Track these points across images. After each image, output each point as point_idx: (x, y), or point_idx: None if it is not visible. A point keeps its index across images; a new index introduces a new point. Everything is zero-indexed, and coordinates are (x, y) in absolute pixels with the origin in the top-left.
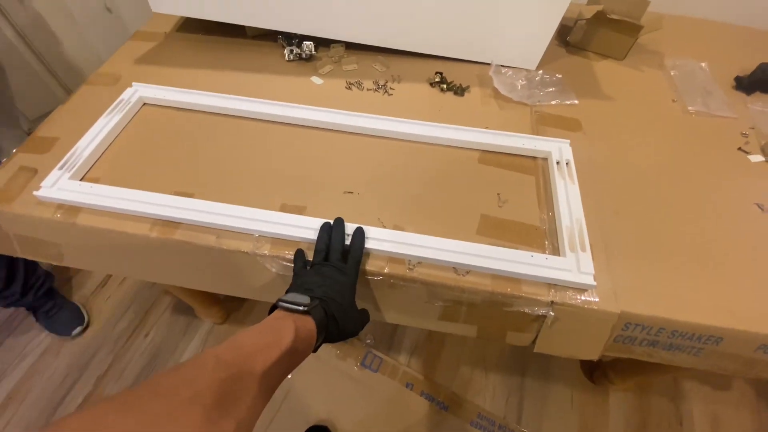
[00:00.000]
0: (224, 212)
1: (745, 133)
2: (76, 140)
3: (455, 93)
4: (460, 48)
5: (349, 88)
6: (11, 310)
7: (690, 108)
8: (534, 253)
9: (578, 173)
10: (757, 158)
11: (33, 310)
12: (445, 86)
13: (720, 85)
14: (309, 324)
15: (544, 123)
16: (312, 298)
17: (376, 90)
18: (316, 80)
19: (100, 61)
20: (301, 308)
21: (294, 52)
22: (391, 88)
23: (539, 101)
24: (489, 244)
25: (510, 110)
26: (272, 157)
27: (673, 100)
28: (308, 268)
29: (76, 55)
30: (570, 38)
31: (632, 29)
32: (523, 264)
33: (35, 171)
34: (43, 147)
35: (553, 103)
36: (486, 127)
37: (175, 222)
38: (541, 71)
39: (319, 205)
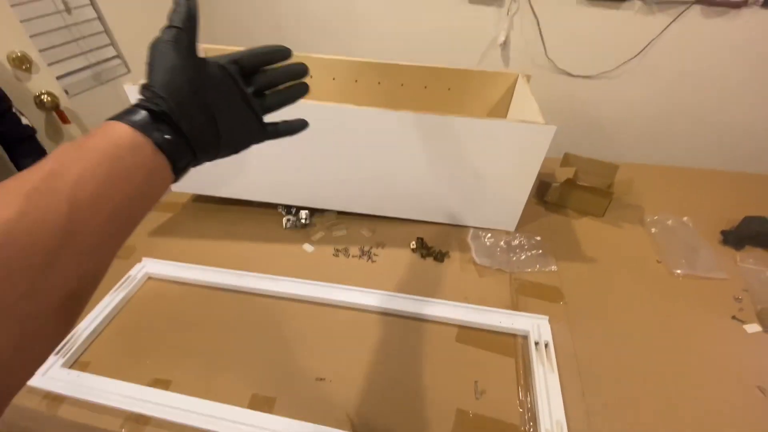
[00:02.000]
0: (192, 409)
1: (738, 298)
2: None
3: (435, 259)
4: (440, 214)
5: (336, 255)
6: None
7: (677, 271)
8: None
9: (559, 355)
10: (753, 328)
11: None
12: (424, 252)
13: (706, 239)
14: (123, 130)
15: (524, 293)
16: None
17: (360, 257)
18: (308, 248)
19: None
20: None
21: (291, 221)
22: (374, 255)
23: (518, 268)
24: None
25: (489, 277)
26: (253, 335)
27: (658, 261)
28: None
29: None
30: (547, 198)
31: (604, 193)
32: None
33: None
34: None
35: (530, 270)
36: (465, 298)
37: (145, 417)
38: (518, 235)
39: (289, 397)
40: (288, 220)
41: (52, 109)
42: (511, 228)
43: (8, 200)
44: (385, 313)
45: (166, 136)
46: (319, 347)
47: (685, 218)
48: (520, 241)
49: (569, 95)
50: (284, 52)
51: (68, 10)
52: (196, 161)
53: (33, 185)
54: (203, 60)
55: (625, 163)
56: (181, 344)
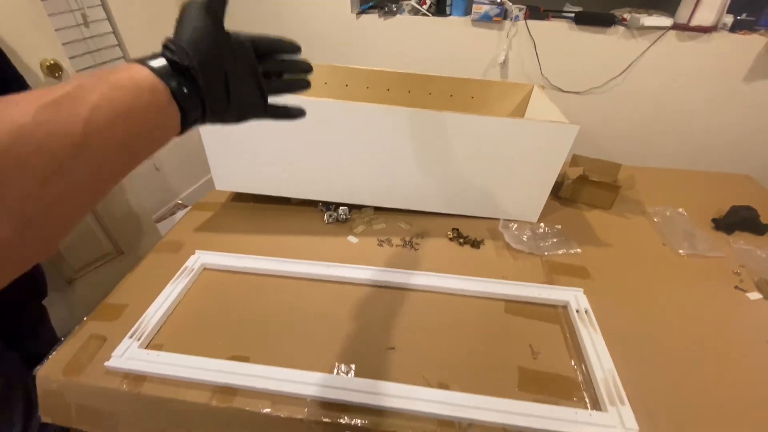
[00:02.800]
0: (278, 377)
1: (737, 272)
2: (144, 307)
3: (472, 246)
4: (471, 207)
5: (381, 245)
6: None
7: (680, 251)
8: (578, 410)
9: (598, 322)
10: (755, 296)
11: None
12: (462, 240)
13: (700, 227)
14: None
15: (556, 272)
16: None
17: (403, 246)
18: (352, 239)
19: (146, 214)
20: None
21: (332, 216)
22: (416, 244)
23: (547, 252)
24: (532, 400)
25: (523, 261)
26: (318, 316)
27: (663, 244)
28: None
29: (125, 210)
30: (561, 193)
31: (612, 187)
32: (570, 422)
33: (104, 339)
34: (113, 314)
35: (560, 252)
36: (504, 277)
37: (233, 388)
38: (542, 224)
39: (366, 364)
40: (330, 215)
41: None
42: (534, 219)
43: (25, 108)
44: (437, 292)
45: (184, 89)
46: (382, 324)
47: (680, 209)
48: (545, 230)
49: (562, 109)
50: (295, 46)
51: (86, 24)
52: (203, 119)
53: (52, 99)
54: (227, 31)
55: (626, 160)
56: (249, 325)
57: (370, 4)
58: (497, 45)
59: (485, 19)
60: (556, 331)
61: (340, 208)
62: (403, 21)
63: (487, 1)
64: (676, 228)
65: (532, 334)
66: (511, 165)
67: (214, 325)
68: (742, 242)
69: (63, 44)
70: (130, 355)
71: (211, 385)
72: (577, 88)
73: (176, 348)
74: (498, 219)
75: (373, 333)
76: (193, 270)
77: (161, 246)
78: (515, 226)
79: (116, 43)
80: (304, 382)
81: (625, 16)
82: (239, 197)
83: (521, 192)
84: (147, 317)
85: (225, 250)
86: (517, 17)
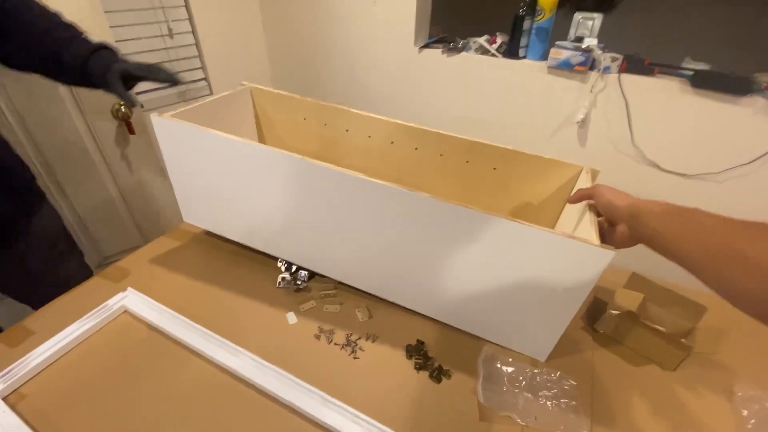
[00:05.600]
0: None
1: None
2: (47, 339)
3: (431, 376)
4: (452, 316)
5: (318, 338)
6: None
7: None
8: None
9: None
10: None
11: None
12: (421, 362)
13: None
14: None
15: None
16: None
17: (343, 347)
18: (291, 318)
19: (175, 213)
20: None
21: (285, 279)
22: (360, 349)
23: (535, 421)
24: None
25: (492, 425)
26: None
27: None
28: None
29: (159, 210)
30: (598, 326)
31: (680, 345)
32: None
33: None
34: (17, 340)
35: (558, 430)
36: None
37: None
38: (546, 371)
39: None
40: (282, 279)
41: (124, 120)
42: (541, 358)
43: None
44: None
45: None
46: None
47: None
48: (548, 382)
49: (654, 192)
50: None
51: (171, 35)
52: None
53: None
54: None
55: (715, 302)
56: (110, 407)
57: (435, 39)
58: (577, 100)
59: (564, 67)
60: None
61: (300, 271)
62: (467, 59)
63: (570, 46)
64: None
65: None
66: (517, 278)
67: (83, 394)
68: None
69: (146, 51)
70: None
71: None
72: (683, 169)
73: (34, 409)
74: (486, 342)
75: None
76: (111, 310)
77: (109, 270)
78: (509, 360)
79: (196, 54)
80: None
81: None
82: (211, 232)
83: (527, 317)
84: (30, 358)
85: (164, 292)
86: (607, 69)
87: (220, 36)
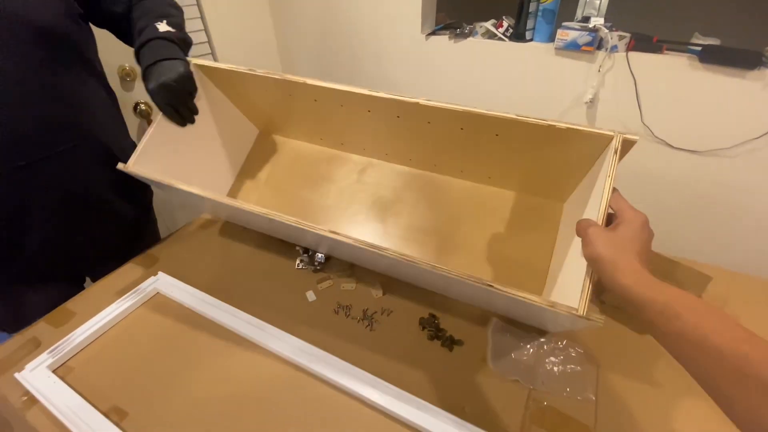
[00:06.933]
0: None
1: None
2: (89, 318)
3: (443, 344)
4: (462, 296)
5: (337, 312)
6: None
7: None
8: None
9: None
10: None
11: None
12: (433, 331)
13: None
14: None
15: (540, 423)
16: None
17: (360, 320)
18: (310, 296)
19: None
20: None
21: (304, 261)
22: (376, 322)
23: (542, 385)
24: None
25: (502, 388)
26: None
27: None
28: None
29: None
30: (605, 297)
31: None
32: None
33: (39, 343)
34: (62, 320)
35: (558, 394)
36: (462, 409)
37: None
38: (554, 339)
39: None
40: (301, 261)
41: (146, 117)
42: (578, 309)
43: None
44: (363, 402)
45: None
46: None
47: None
48: (555, 350)
49: (664, 169)
50: None
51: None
52: None
53: None
54: None
55: (722, 271)
56: (152, 379)
57: (441, 25)
58: (585, 80)
59: (572, 48)
60: None
61: (318, 254)
62: (475, 44)
63: (577, 27)
64: None
65: None
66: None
67: (125, 366)
68: None
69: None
70: (35, 373)
71: None
72: (693, 146)
73: (83, 379)
74: (494, 314)
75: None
76: (144, 292)
77: (139, 258)
78: (517, 332)
79: (205, 39)
80: None
81: None
82: None
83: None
84: (75, 335)
85: (192, 275)
86: (614, 47)
87: (228, 23)
